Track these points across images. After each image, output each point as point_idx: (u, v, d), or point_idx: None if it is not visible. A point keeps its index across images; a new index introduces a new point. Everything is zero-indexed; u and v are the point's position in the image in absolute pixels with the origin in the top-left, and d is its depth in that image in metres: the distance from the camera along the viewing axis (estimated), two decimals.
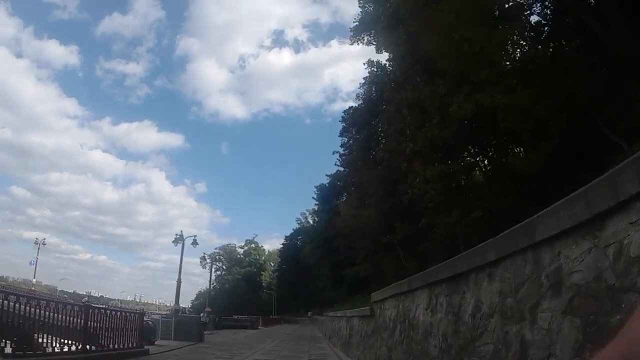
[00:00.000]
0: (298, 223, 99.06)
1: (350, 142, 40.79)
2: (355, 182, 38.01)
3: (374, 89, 35.20)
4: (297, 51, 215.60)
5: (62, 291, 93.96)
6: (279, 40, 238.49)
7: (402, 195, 27.92)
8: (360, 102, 38.22)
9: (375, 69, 33.81)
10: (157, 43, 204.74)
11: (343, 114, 41.49)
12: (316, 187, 65.53)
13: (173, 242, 35.16)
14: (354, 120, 38.89)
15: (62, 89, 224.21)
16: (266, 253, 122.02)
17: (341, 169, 49.51)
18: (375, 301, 9.44)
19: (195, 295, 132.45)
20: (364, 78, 35.42)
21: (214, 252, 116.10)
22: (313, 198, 67.05)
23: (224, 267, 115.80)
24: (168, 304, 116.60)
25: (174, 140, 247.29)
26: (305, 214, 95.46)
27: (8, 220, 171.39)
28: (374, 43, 31.75)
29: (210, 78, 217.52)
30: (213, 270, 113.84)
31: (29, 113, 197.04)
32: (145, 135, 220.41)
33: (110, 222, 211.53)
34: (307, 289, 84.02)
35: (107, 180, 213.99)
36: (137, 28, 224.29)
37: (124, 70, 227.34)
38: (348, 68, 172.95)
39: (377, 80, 33.53)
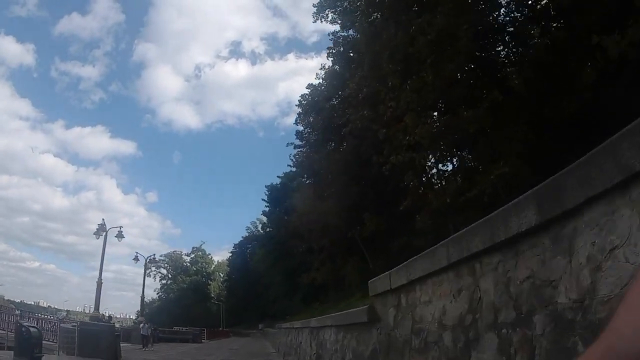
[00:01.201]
0: (248, 232, 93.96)
1: (308, 129, 36.01)
2: (314, 170, 33.31)
3: (337, 65, 30.69)
4: (253, 63, 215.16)
5: (8, 300, 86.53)
6: (236, 51, 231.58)
7: (376, 174, 23.45)
8: (321, 80, 33.57)
9: (340, 43, 29.28)
10: (115, 47, 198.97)
11: (300, 99, 36.66)
12: (267, 187, 60.92)
13: (94, 233, 30.98)
14: (313, 102, 34.13)
15: (15, 88, 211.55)
16: (215, 263, 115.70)
17: (294, 169, 45.67)
18: (379, 294, 4.64)
19: (139, 306, 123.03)
20: (327, 55, 30.75)
21: (157, 259, 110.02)
22: (263, 200, 62.12)
23: (169, 275, 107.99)
24: (118, 316, 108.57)
25: (126, 147, 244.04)
26: (255, 222, 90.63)
27: None
28: (339, 22, 27.99)
29: (165, 86, 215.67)
30: (158, 279, 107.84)
31: None
32: (98, 141, 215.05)
33: (59, 229, 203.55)
34: (258, 300, 78.91)
35: (57, 185, 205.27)
36: (96, 30, 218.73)
37: (80, 73, 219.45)
38: (304, 82, 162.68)
39: (342, 54, 29.03)
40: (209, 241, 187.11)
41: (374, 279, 5.16)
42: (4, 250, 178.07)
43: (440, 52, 13.56)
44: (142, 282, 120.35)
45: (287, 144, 40.55)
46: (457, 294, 3.08)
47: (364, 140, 23.55)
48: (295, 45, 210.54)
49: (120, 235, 32.34)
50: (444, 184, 20.33)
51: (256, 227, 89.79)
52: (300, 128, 37.73)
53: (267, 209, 60.99)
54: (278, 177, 59.32)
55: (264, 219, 67.69)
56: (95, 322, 22.15)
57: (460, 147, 17.78)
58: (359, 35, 24.61)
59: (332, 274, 34.20)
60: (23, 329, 12.71)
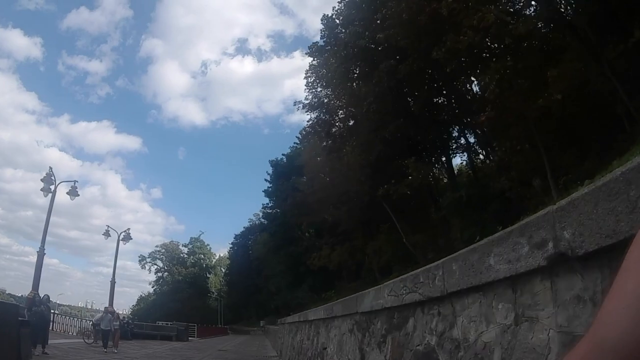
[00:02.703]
0: (250, 223, 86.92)
1: (331, 61, 27.98)
2: (330, 123, 25.98)
3: None
4: (259, 60, 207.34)
5: (9, 294, 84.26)
6: (242, 48, 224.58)
7: (423, 104, 16.84)
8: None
9: None
10: (122, 42, 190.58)
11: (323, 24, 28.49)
12: (270, 162, 53.32)
13: (104, 234, 30.56)
14: (342, 23, 26.12)
15: (22, 81, 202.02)
16: (217, 257, 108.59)
17: (300, 146, 39.22)
18: None
19: (136, 300, 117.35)
20: None
21: (154, 251, 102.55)
22: (266, 180, 54.67)
23: (165, 267, 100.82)
24: (121, 312, 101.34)
25: (132, 142, 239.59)
26: (258, 214, 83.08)
27: None
28: None
29: (172, 82, 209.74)
30: (154, 270, 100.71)
31: None
32: (103, 135, 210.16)
33: (63, 224, 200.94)
34: (259, 295, 71.46)
35: (62, 180, 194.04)
36: (104, 25, 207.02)
37: (86, 67, 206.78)
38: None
39: None
40: (213, 238, 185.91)
41: None
42: (7, 244, 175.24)
43: None
44: (144, 278, 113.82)
45: (294, 103, 33.26)
46: None
47: (406, 57, 16.53)
48: (302, 43, 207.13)
49: (127, 238, 31.27)
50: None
51: (259, 218, 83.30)
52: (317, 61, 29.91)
53: (269, 188, 53.44)
54: (283, 155, 52.34)
55: (266, 200, 60.07)
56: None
57: None
58: None
59: (350, 255, 26.79)
60: None
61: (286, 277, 47.03)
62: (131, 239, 32.03)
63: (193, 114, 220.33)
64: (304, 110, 31.96)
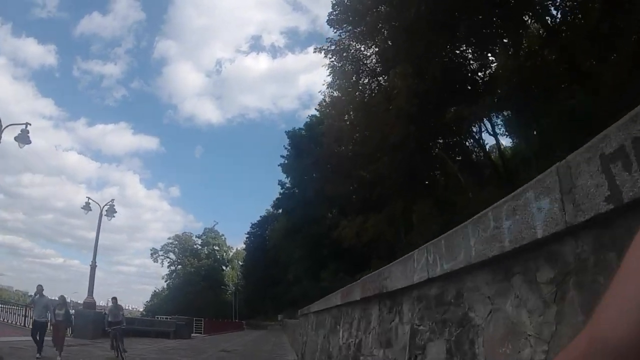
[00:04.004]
0: (267, 212, 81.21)
1: None
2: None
3: None
4: (274, 57, 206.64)
5: (30, 296, 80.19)
6: (256, 45, 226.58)
7: None
8: None
9: None
10: (136, 45, 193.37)
11: None
12: (287, 132, 47.23)
13: (82, 208, 25.98)
14: None
15: (38, 88, 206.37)
16: (234, 251, 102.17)
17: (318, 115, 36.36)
18: None
19: (150, 296, 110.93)
20: None
21: (167, 243, 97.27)
22: (282, 156, 48.59)
23: (178, 260, 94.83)
24: (141, 309, 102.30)
25: (149, 143, 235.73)
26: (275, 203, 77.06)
27: None
28: None
29: (187, 82, 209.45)
30: (166, 264, 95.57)
31: (3, 111, 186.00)
32: (121, 137, 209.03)
33: (82, 225, 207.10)
34: (276, 286, 65.62)
35: (80, 182, 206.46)
36: (117, 29, 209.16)
37: (101, 71, 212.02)
38: (324, 75, 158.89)
39: None
40: (230, 234, 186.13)
41: None
42: (29, 247, 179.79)
43: None
44: (164, 273, 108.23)
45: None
46: None
47: None
48: (316, 39, 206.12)
49: (111, 212, 25.91)
50: None
51: (275, 201, 77.60)
52: None
53: (286, 162, 47.19)
54: (300, 128, 46.25)
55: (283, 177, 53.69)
56: None
57: None
58: None
59: (389, 224, 20.53)
60: None
61: (305, 263, 40.83)
62: (115, 212, 26.09)
63: (209, 113, 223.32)
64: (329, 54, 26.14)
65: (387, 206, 21.19)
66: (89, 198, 26.10)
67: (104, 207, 25.31)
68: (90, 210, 25.57)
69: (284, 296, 62.64)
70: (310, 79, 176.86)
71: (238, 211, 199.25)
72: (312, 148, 37.44)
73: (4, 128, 16.84)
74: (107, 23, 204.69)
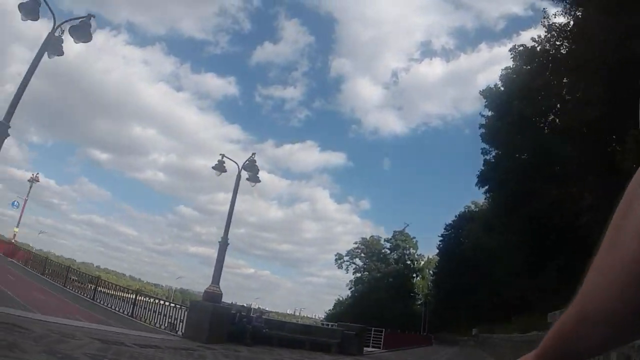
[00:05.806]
0: (465, 209, 74.48)
1: None
2: None
3: None
4: (447, 60, 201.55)
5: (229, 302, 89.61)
6: (427, 51, 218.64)
7: None
8: None
9: None
10: (311, 67, 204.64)
11: None
12: (481, 92, 39.61)
13: (213, 167, 20.97)
14: None
15: (223, 116, 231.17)
16: (425, 259, 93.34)
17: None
18: None
19: (333, 304, 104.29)
20: None
21: (352, 248, 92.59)
22: (482, 115, 41.13)
23: (365, 266, 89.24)
24: (322, 317, 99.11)
25: (336, 158, 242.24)
26: (476, 201, 70.89)
27: (175, 237, 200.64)
28: None
29: (366, 96, 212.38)
30: (352, 271, 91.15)
31: (193, 140, 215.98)
32: (308, 155, 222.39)
33: (274, 238, 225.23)
34: (472, 296, 56.73)
35: (271, 199, 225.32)
36: (290, 54, 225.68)
37: (282, 95, 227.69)
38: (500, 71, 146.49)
39: None
40: (421, 246, 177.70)
41: None
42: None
43: None
44: (348, 280, 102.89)
45: None
46: None
47: None
48: (485, 35, 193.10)
49: (253, 169, 20.66)
50: None
51: (476, 205, 71.14)
52: None
53: (484, 130, 38.86)
54: (495, 85, 37.94)
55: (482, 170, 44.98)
56: None
57: None
58: None
59: None
60: None
61: (518, 256, 31.67)
62: (258, 170, 20.93)
63: (392, 124, 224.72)
64: None
65: None
66: (222, 155, 20.41)
67: (241, 166, 20.27)
68: (225, 171, 20.37)
69: (481, 306, 53.61)
70: (487, 77, 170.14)
71: (429, 222, 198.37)
72: (514, 105, 30.06)
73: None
74: (280, 50, 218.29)
